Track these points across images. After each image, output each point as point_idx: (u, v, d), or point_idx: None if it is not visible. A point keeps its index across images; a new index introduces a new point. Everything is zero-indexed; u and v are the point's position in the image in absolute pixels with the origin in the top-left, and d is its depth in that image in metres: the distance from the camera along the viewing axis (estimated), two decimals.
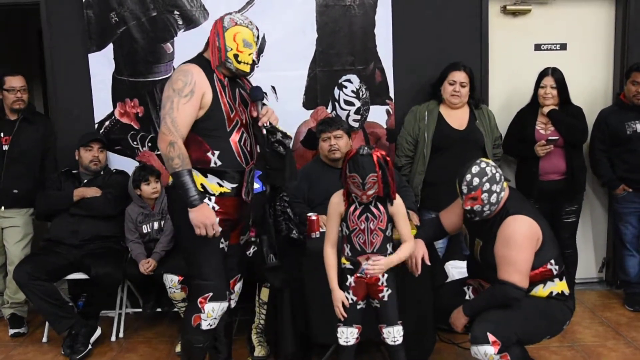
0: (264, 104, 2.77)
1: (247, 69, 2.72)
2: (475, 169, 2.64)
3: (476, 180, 2.62)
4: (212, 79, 2.67)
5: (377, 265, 2.55)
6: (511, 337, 2.59)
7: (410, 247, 2.66)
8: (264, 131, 2.70)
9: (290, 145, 2.74)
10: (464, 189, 2.65)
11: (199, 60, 2.73)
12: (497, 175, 2.66)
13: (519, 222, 2.63)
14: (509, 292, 2.60)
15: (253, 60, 2.74)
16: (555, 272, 2.70)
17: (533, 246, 2.63)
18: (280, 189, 2.89)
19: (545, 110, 3.77)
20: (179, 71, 2.66)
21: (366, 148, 2.50)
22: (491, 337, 2.53)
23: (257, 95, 2.77)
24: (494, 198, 2.64)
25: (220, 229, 2.63)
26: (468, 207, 2.67)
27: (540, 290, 2.71)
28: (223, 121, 2.67)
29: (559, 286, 2.73)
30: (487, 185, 2.62)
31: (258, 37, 2.80)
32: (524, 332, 2.64)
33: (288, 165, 2.75)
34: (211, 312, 2.70)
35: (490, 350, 2.52)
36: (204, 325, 2.72)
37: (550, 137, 3.69)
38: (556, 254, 2.72)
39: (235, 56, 2.68)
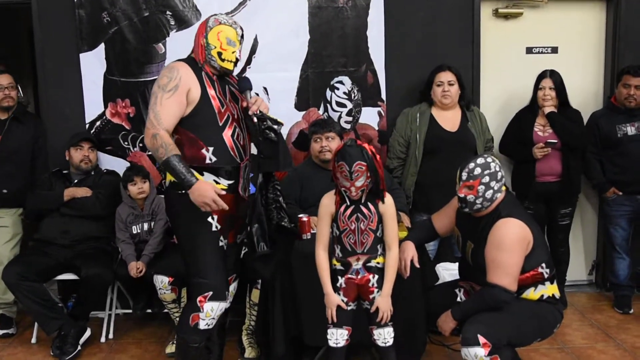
0: (256, 94, 2.79)
1: (230, 66, 2.78)
2: (480, 161, 2.66)
3: (478, 170, 2.64)
4: (200, 76, 2.70)
5: (385, 313, 2.57)
6: (502, 339, 2.58)
7: (394, 256, 2.60)
8: (255, 119, 2.71)
9: (282, 131, 2.74)
10: (464, 175, 2.66)
11: (188, 59, 2.78)
12: (499, 174, 2.67)
13: (510, 225, 2.63)
14: (498, 295, 2.60)
15: (236, 58, 2.78)
16: (546, 276, 2.71)
17: (523, 249, 2.63)
18: (273, 177, 2.87)
19: (547, 110, 3.79)
20: (166, 68, 2.73)
21: (352, 139, 2.54)
22: (482, 339, 2.52)
23: (245, 85, 2.82)
24: (489, 194, 2.65)
25: (224, 204, 2.59)
26: (462, 195, 2.67)
27: (532, 293, 2.72)
28: (214, 116, 2.69)
29: (549, 289, 2.73)
30: (486, 179, 2.63)
31: (242, 37, 2.83)
32: (514, 334, 2.64)
33: (281, 151, 2.74)
34: (210, 312, 2.69)
35: (481, 352, 2.52)
36: (202, 325, 2.70)
37: (549, 140, 3.72)
38: (547, 257, 2.73)
39: (219, 54, 2.73)
